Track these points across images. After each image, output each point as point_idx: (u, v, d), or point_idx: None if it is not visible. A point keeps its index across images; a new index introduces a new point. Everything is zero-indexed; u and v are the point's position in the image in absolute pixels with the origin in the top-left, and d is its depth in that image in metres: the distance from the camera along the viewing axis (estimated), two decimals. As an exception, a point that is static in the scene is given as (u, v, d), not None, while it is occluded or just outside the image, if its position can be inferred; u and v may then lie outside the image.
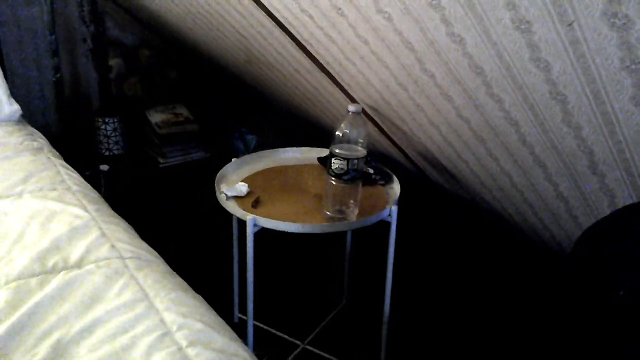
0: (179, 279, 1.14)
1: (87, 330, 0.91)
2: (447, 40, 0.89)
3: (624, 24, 0.62)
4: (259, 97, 2.72)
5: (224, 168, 1.61)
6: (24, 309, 0.94)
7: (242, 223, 1.60)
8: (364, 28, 1.05)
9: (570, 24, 0.67)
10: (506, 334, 1.79)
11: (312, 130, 2.41)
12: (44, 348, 0.87)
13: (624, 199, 1.06)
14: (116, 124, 2.41)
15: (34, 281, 1.02)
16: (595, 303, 0.82)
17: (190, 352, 0.88)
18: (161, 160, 2.45)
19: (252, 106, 2.89)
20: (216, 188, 1.49)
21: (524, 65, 0.83)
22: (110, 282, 1.03)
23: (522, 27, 0.74)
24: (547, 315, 1.61)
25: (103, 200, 1.42)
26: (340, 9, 1.04)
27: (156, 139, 2.46)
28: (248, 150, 2.74)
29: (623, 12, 0.61)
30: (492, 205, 1.66)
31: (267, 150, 1.74)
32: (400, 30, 0.96)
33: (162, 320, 0.95)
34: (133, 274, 1.07)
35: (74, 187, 1.41)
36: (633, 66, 0.68)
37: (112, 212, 1.36)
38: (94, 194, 1.44)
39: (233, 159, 1.66)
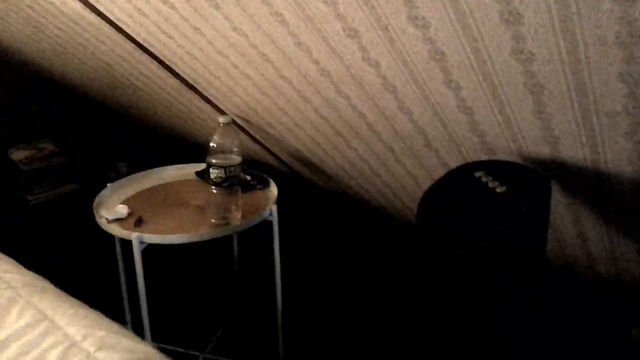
0: (74, 299, 1.17)
1: (-7, 355, 0.94)
2: (295, 49, 1.05)
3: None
4: (128, 123, 2.72)
5: (100, 194, 1.60)
6: None
7: (125, 246, 1.58)
8: (222, 44, 1.18)
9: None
10: (390, 308, 1.98)
11: (188, 147, 2.48)
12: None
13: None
14: (-25, 166, 2.30)
15: None
16: (441, 263, 1.00)
17: (100, 355, 0.94)
18: (30, 198, 2.38)
19: (121, 133, 2.87)
20: (95, 213, 1.50)
21: (358, 64, 1.01)
22: (6, 310, 1.05)
23: (351, 33, 0.92)
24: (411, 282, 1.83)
25: (-22, 239, 1.40)
26: (198, 28, 1.16)
27: (22, 177, 2.38)
28: (121, 178, 2.72)
29: None
30: (359, 193, 1.86)
31: (143, 172, 1.76)
32: (256, 45, 1.11)
33: (65, 334, 0.99)
34: (28, 299, 1.10)
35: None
36: (437, 56, 0.88)
37: (-8, 250, 1.35)
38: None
39: (108, 184, 1.66)
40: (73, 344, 0.97)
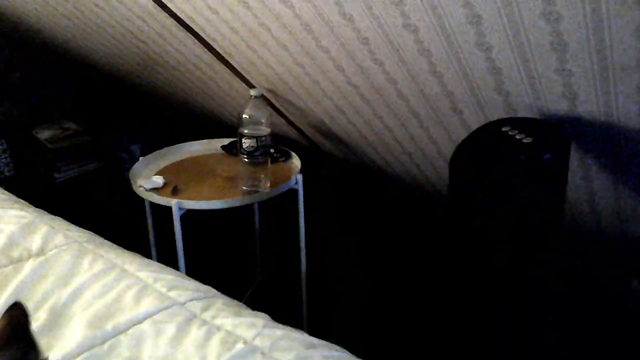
0: (135, 253, 1.28)
1: (75, 295, 1.04)
2: (338, 18, 1.15)
3: None
4: (146, 105, 2.81)
5: (134, 166, 1.70)
6: (9, 290, 1.05)
7: (156, 214, 1.67)
8: (267, 16, 1.28)
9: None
10: (414, 274, 2.07)
11: (208, 125, 2.57)
12: (43, 313, 0.99)
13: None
14: (4, 145, 2.39)
15: (7, 270, 1.12)
16: (463, 234, 1.11)
17: (172, 294, 1.06)
18: (57, 175, 2.48)
19: (138, 115, 2.95)
20: (132, 183, 1.59)
21: (398, 30, 1.11)
22: (78, 259, 1.16)
23: (396, 0, 1.02)
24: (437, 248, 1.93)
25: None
26: (245, 1, 1.26)
27: (49, 155, 2.48)
28: (134, 160, 2.80)
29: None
30: (378, 164, 1.97)
31: (172, 146, 1.85)
32: (300, 15, 1.21)
33: (138, 278, 1.10)
34: (96, 251, 1.20)
35: (2, 196, 1.48)
36: (475, 20, 0.99)
37: (49, 213, 1.45)
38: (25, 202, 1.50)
39: (141, 158, 1.76)
40: (146, 286, 1.08)
